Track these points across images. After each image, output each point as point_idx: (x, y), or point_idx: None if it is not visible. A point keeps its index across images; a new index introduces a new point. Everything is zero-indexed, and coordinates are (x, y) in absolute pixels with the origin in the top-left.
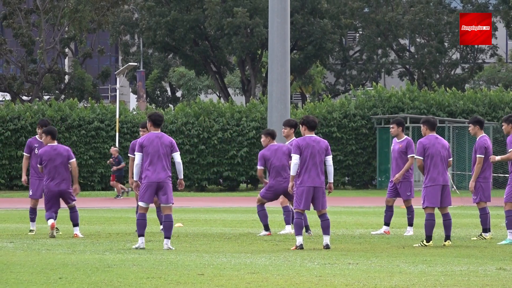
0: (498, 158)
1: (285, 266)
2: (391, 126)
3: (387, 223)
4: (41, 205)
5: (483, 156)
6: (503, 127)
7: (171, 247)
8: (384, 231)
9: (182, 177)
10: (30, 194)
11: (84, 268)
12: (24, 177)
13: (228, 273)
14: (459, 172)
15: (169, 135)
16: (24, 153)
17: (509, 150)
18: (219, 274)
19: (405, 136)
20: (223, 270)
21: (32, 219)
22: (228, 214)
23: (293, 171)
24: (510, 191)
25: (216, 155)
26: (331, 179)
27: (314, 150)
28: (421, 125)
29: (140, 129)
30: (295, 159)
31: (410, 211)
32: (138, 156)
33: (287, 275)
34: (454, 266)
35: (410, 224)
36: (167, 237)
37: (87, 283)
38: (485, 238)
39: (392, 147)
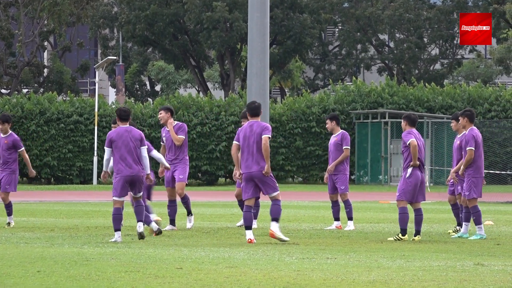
0: None
1: (264, 260)
2: (326, 122)
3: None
4: (13, 198)
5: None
6: None
7: (140, 230)
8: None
9: (149, 171)
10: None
11: (63, 261)
12: None
13: (207, 267)
14: (437, 168)
15: (148, 129)
16: None
17: None
18: (197, 268)
19: (341, 130)
20: (201, 264)
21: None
22: (207, 208)
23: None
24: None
25: (195, 149)
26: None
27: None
28: (402, 120)
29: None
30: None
31: (347, 204)
32: (107, 150)
33: (265, 269)
34: (432, 261)
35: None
36: (140, 220)
37: (66, 276)
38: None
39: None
